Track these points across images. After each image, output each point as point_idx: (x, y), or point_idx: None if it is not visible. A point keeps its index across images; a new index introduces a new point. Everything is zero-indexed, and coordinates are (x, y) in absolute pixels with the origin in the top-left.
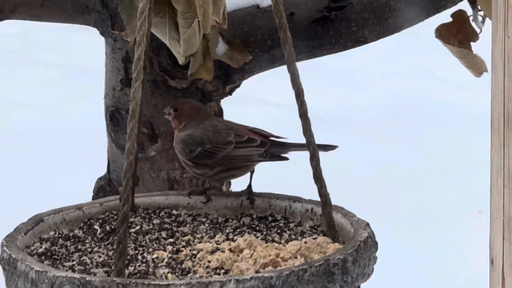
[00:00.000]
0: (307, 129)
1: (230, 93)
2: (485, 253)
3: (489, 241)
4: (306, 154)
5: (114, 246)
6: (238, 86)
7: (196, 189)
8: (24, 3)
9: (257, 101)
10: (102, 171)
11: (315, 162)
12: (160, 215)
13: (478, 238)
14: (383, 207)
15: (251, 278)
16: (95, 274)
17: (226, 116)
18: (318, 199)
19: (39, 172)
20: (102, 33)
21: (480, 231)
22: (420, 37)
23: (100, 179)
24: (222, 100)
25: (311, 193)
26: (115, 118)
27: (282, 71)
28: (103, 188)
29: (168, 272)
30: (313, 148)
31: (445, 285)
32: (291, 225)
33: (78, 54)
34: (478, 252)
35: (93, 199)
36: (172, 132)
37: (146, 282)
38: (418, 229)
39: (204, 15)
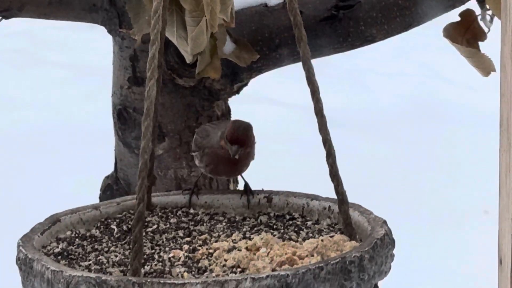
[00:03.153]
0: (323, 127)
1: (237, 91)
2: (492, 252)
3: (497, 241)
4: (323, 152)
5: (130, 246)
6: (245, 84)
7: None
8: (32, 1)
9: (264, 100)
10: (110, 169)
11: (331, 160)
12: (177, 214)
13: (485, 238)
14: (389, 207)
15: (267, 276)
16: (111, 274)
17: (234, 115)
18: (335, 197)
19: (47, 171)
20: (109, 32)
21: (486, 231)
22: (428, 37)
23: (107, 177)
24: (229, 99)
25: (329, 191)
26: (122, 116)
27: (289, 70)
28: (110, 186)
29: (184, 271)
30: (329, 146)
31: (452, 285)
32: (309, 223)
33: (86, 52)
34: (486, 252)
35: (100, 197)
36: (180, 130)
37: (162, 281)
38: (425, 228)
39: (212, 13)
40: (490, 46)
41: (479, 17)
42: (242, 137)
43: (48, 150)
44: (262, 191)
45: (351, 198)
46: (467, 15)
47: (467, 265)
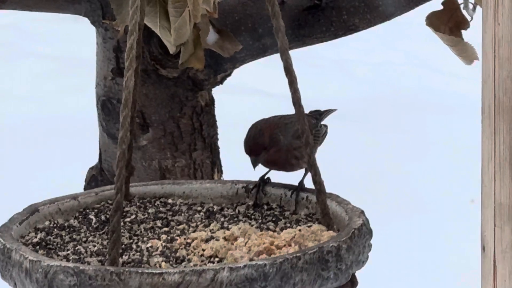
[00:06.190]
0: (300, 117)
1: (221, 81)
2: (477, 240)
3: (480, 228)
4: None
5: (108, 235)
6: (229, 75)
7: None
8: None
9: (248, 90)
10: (94, 160)
11: (309, 149)
12: (156, 204)
13: (471, 226)
14: (376, 196)
15: (245, 266)
16: (89, 263)
17: (218, 105)
18: (313, 187)
19: (32, 163)
20: (93, 23)
21: (472, 220)
22: (413, 26)
23: (91, 168)
24: (213, 89)
25: (307, 181)
26: (106, 107)
27: (273, 60)
28: (94, 177)
29: (162, 261)
30: (307, 136)
31: (437, 273)
32: (286, 213)
33: (71, 44)
34: (471, 240)
35: (85, 188)
36: (164, 121)
37: (140, 271)
38: (411, 218)
39: (195, 4)
40: (473, 35)
41: (461, 6)
42: (253, 147)
43: (33, 142)
44: (239, 181)
45: (337, 187)
46: (450, 4)
47: (452, 253)
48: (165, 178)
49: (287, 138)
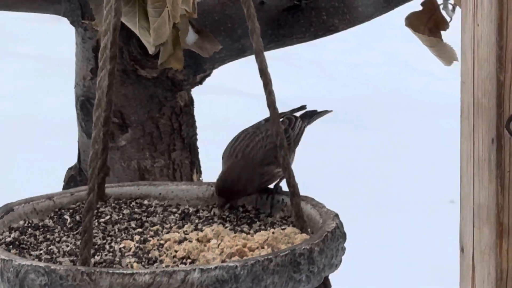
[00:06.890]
0: (275, 119)
1: (200, 82)
2: (456, 241)
3: (459, 229)
4: None
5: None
6: (208, 75)
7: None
8: None
9: (228, 91)
10: (73, 161)
11: (283, 152)
12: (131, 205)
13: (450, 227)
14: (356, 196)
15: (216, 267)
16: (60, 263)
17: (197, 106)
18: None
19: (10, 162)
20: (72, 23)
21: (452, 221)
22: (393, 27)
23: (70, 168)
24: (192, 90)
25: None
26: (85, 107)
27: (252, 60)
28: (73, 177)
29: (134, 262)
30: (281, 138)
31: (416, 274)
32: (262, 215)
33: (51, 44)
34: (450, 241)
35: (63, 188)
36: (143, 121)
37: (111, 271)
38: (390, 218)
39: (174, 4)
40: (452, 36)
41: (441, 6)
42: (233, 197)
43: (12, 141)
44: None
45: (316, 188)
46: (429, 4)
47: (431, 254)
48: (144, 179)
49: (258, 166)
